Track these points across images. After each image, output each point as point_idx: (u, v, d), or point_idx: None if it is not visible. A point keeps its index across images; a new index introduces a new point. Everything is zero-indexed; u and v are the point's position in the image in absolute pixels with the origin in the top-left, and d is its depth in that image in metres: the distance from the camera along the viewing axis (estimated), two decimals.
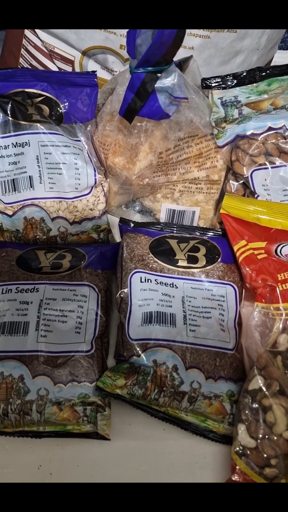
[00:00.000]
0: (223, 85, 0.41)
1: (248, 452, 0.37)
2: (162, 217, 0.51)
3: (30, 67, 0.54)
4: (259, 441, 0.37)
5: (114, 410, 0.41)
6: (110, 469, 0.40)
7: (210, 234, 0.49)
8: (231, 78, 0.41)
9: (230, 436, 0.39)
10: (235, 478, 0.37)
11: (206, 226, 0.52)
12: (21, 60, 0.55)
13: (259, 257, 0.46)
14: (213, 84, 0.41)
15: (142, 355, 0.41)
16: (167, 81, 0.38)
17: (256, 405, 0.38)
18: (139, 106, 0.39)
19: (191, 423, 0.40)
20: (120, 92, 0.41)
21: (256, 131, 0.44)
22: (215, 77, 0.41)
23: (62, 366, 0.41)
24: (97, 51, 0.48)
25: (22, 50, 0.53)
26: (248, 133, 0.44)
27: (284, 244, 0.47)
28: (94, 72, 0.45)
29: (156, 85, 0.38)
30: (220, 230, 0.50)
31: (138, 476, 0.39)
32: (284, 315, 0.42)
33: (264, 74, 0.41)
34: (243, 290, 0.47)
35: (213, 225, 0.51)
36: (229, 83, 0.41)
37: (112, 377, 0.40)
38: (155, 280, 0.45)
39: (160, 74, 0.38)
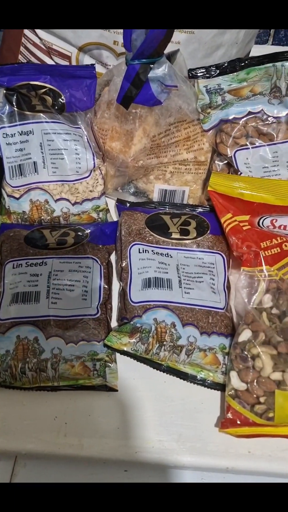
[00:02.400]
0: (208, 75, 0.47)
1: (240, 394, 0.43)
2: (155, 197, 0.56)
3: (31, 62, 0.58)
4: (249, 384, 0.43)
5: (119, 367, 0.46)
6: (118, 417, 0.44)
7: (199, 210, 0.55)
8: (214, 68, 0.46)
9: (223, 383, 0.45)
10: (229, 416, 0.42)
11: (195, 204, 0.57)
12: (20, 57, 0.59)
13: (244, 228, 0.51)
14: (198, 74, 0.46)
15: (143, 315, 0.46)
16: (159, 71, 0.43)
17: (246, 354, 0.44)
18: (134, 93, 0.44)
19: (188, 374, 0.45)
20: (117, 82, 0.45)
21: (237, 115, 0.50)
22: (200, 68, 0.46)
23: (72, 328, 0.46)
24: (92, 47, 0.53)
25: (21, 47, 0.58)
26: (231, 117, 0.50)
27: (265, 217, 0.52)
28: (93, 65, 0.50)
29: (149, 75, 0.43)
30: (208, 206, 0.55)
31: (142, 422, 0.44)
32: (267, 276, 0.47)
33: (243, 64, 0.46)
34: (230, 260, 0.52)
35: (201, 202, 0.56)
36: (212, 72, 0.46)
37: (117, 336, 0.45)
38: (152, 250, 0.50)
39: (153, 65, 0.43)
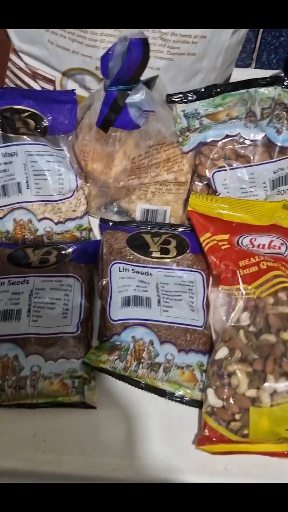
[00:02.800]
0: (185, 100, 0.48)
1: (216, 411, 0.43)
2: (138, 216, 0.58)
3: (15, 87, 0.60)
4: (225, 401, 0.43)
5: (99, 384, 0.47)
6: (96, 435, 0.45)
7: (181, 229, 0.56)
8: (192, 93, 0.48)
9: (201, 400, 0.45)
10: (206, 433, 0.43)
11: (177, 223, 0.58)
12: (6, 80, 0.61)
13: (222, 247, 0.52)
14: (176, 99, 0.48)
15: (122, 333, 0.46)
16: (136, 97, 0.45)
17: (222, 372, 0.45)
18: (113, 118, 0.46)
19: (166, 391, 0.46)
20: (97, 107, 0.47)
21: (215, 138, 0.51)
22: (178, 93, 0.48)
23: (52, 345, 0.46)
24: (75, 72, 0.55)
25: (8, 71, 0.60)
26: (209, 140, 0.51)
27: (244, 236, 0.54)
28: (73, 90, 0.52)
29: (127, 101, 0.45)
30: (189, 225, 0.56)
31: (121, 439, 0.44)
32: (244, 294, 0.48)
33: (219, 90, 0.48)
34: (210, 278, 0.53)
35: (182, 222, 0.58)
36: (190, 98, 0.48)
37: (96, 354, 0.46)
38: (132, 269, 0.51)
39: (130, 91, 0.45)
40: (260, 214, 0.53)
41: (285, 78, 0.47)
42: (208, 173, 0.52)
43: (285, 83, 0.47)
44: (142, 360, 0.45)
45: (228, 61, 0.56)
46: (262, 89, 0.47)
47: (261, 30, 0.72)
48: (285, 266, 0.52)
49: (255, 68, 0.78)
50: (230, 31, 0.51)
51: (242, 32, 0.54)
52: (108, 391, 0.47)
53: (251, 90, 0.47)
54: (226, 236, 0.53)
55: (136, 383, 0.46)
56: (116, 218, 0.59)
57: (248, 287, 0.49)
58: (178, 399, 0.46)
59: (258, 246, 0.53)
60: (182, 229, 0.56)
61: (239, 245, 0.53)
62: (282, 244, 0.54)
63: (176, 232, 0.55)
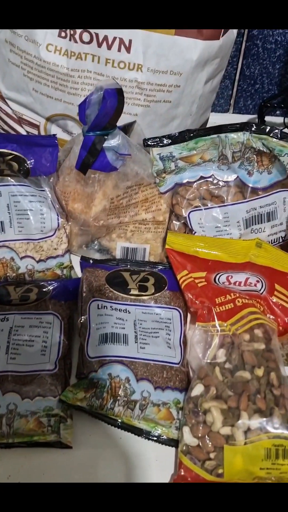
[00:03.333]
0: (160, 144, 0.51)
1: (192, 450, 0.43)
2: (118, 254, 0.59)
3: (1, 131, 0.63)
4: (200, 439, 0.43)
5: (76, 423, 0.47)
6: (73, 475, 0.44)
7: (159, 267, 0.57)
8: (167, 138, 0.51)
9: (178, 439, 0.45)
10: (181, 473, 0.42)
11: (156, 261, 0.59)
12: None
13: (199, 284, 0.53)
14: (152, 143, 0.51)
15: (99, 370, 0.47)
16: (113, 141, 0.48)
17: (198, 409, 0.45)
18: (91, 161, 0.48)
19: (143, 429, 0.46)
20: (76, 151, 0.50)
21: (190, 179, 0.54)
22: (153, 138, 0.51)
23: (29, 383, 0.46)
24: (58, 117, 0.58)
25: None
26: (184, 181, 0.54)
27: (221, 273, 0.55)
28: (54, 135, 0.54)
29: (104, 145, 0.47)
30: (167, 263, 0.58)
31: (97, 479, 0.44)
32: (220, 331, 0.49)
33: (192, 135, 0.50)
34: (189, 315, 0.54)
35: (162, 259, 0.59)
36: (165, 142, 0.51)
37: (73, 391, 0.46)
38: (110, 306, 0.52)
39: (107, 136, 0.47)
40: (235, 252, 0.54)
41: (253, 124, 0.50)
42: (184, 213, 0.54)
43: (253, 129, 0.49)
44: (118, 398, 0.45)
45: (203, 108, 0.59)
46: (232, 134, 0.49)
47: (237, 78, 0.76)
48: (260, 303, 0.53)
49: (233, 113, 0.82)
50: (203, 80, 0.54)
51: (215, 81, 0.58)
52: (84, 430, 0.47)
53: (222, 135, 0.50)
54: (203, 274, 0.55)
55: (112, 422, 0.46)
56: (97, 256, 0.61)
57: (224, 324, 0.50)
58: (155, 439, 0.45)
59: (235, 283, 0.55)
60: (161, 266, 0.57)
61: (216, 283, 0.54)
62: (257, 281, 0.55)
63: (154, 269, 0.56)
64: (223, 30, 0.51)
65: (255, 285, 0.55)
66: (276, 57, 0.73)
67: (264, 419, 0.43)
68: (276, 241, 0.57)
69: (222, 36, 0.51)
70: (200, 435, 0.43)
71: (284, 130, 0.50)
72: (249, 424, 0.43)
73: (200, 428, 0.44)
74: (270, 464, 0.41)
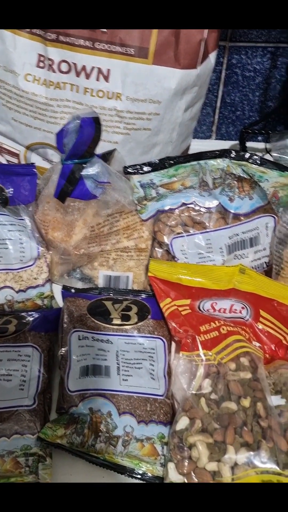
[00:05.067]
0: (141, 171, 0.50)
1: None
2: (100, 283, 0.58)
3: None
4: (186, 476, 0.41)
5: (56, 462, 0.44)
6: None
7: (143, 295, 0.56)
8: (147, 165, 0.50)
9: (162, 477, 0.43)
10: None
11: (139, 289, 0.58)
12: None
13: (183, 312, 0.52)
14: (132, 171, 0.50)
15: (80, 404, 0.45)
16: (92, 169, 0.47)
17: (183, 444, 0.43)
18: (70, 189, 0.47)
19: (126, 467, 0.43)
20: (55, 179, 0.49)
21: (172, 206, 0.53)
22: (134, 165, 0.50)
23: (6, 420, 0.44)
24: (38, 146, 0.57)
25: None
26: (166, 208, 0.53)
27: (205, 300, 0.54)
28: (33, 163, 0.54)
29: (83, 173, 0.47)
30: (150, 291, 0.57)
31: None
32: (204, 360, 0.48)
33: (172, 162, 0.50)
34: (173, 344, 0.53)
35: (145, 287, 0.58)
36: (145, 169, 0.50)
37: (53, 428, 0.44)
38: (92, 337, 0.50)
39: (85, 164, 0.47)
40: (219, 278, 0.53)
41: (232, 151, 0.50)
42: (166, 240, 0.53)
43: (232, 155, 0.49)
44: (100, 434, 0.44)
45: (184, 135, 0.59)
46: (211, 161, 0.49)
47: (218, 106, 0.77)
48: (246, 330, 0.52)
49: (215, 139, 0.82)
50: (182, 108, 0.55)
51: (194, 109, 0.58)
52: (65, 469, 0.45)
53: (202, 162, 0.49)
54: (187, 301, 0.53)
55: (94, 459, 0.44)
56: (80, 284, 0.59)
57: (209, 353, 0.48)
58: (139, 476, 0.43)
59: (220, 310, 0.54)
60: (144, 295, 0.56)
61: (201, 310, 0.53)
62: (243, 308, 0.54)
63: (137, 298, 0.55)
64: (200, 59, 0.51)
65: (240, 312, 0.54)
66: (255, 85, 0.74)
67: (252, 453, 0.41)
68: (260, 266, 0.56)
69: (199, 65, 0.52)
70: (185, 471, 0.41)
71: (264, 156, 0.50)
72: (236, 459, 0.41)
73: (186, 464, 0.42)
74: None
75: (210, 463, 0.41)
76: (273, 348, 0.53)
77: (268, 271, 0.56)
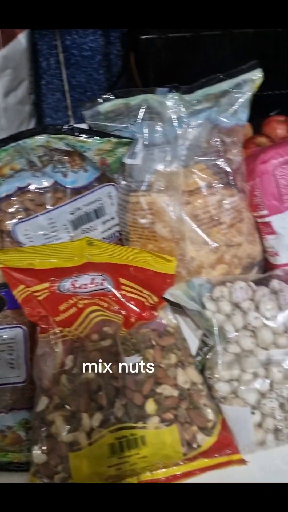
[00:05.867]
0: None
1: (41, 468, 0.41)
2: None
3: None
4: (48, 455, 0.41)
5: None
6: None
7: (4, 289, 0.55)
8: None
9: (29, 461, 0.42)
10: None
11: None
12: None
13: (40, 297, 0.51)
14: None
15: None
16: None
17: (43, 423, 0.42)
18: None
19: None
20: None
21: (8, 192, 0.52)
22: None
23: None
24: None
25: None
26: (3, 195, 0.52)
27: (63, 280, 0.53)
28: None
29: None
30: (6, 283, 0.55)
31: None
32: (61, 337, 0.47)
33: None
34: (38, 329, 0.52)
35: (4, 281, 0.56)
36: None
37: None
38: None
39: None
40: (69, 255, 0.53)
41: (49, 126, 0.49)
42: (9, 227, 0.52)
43: (50, 130, 0.49)
44: None
45: (16, 120, 0.58)
46: (29, 140, 0.49)
47: (67, 89, 0.77)
48: (106, 300, 0.52)
49: (76, 123, 0.82)
50: (1, 93, 0.54)
51: (19, 93, 0.57)
52: None
53: (20, 142, 0.49)
54: (46, 285, 0.53)
55: None
56: None
57: (66, 329, 0.48)
58: (5, 468, 0.42)
59: (81, 287, 0.53)
60: (4, 288, 0.55)
61: (61, 291, 0.53)
62: (103, 279, 0.54)
63: None
64: (2, 40, 0.51)
65: (102, 284, 0.54)
66: (97, 63, 0.75)
67: (105, 414, 0.41)
68: (112, 236, 0.56)
69: (4, 47, 0.51)
70: (47, 450, 0.41)
71: (82, 126, 0.50)
72: (91, 424, 0.41)
73: (48, 442, 0.41)
74: (117, 459, 0.40)
75: (68, 435, 0.41)
76: (138, 311, 0.53)
77: (123, 239, 0.57)
